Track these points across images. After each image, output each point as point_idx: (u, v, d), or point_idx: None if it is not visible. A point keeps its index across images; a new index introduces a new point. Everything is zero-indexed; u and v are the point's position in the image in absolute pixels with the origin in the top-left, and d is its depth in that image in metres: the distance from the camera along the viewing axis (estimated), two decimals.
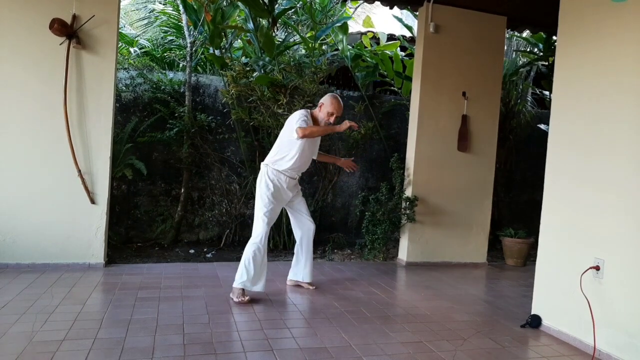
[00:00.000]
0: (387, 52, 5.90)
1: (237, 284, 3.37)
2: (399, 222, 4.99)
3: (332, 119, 3.51)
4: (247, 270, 3.36)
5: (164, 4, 7.02)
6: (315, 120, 3.56)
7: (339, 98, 3.58)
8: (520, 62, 6.52)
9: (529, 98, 6.72)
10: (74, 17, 3.95)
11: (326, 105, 3.52)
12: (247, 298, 3.36)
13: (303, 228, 3.79)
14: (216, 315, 3.08)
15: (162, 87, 5.45)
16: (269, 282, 3.91)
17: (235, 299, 3.35)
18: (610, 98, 2.83)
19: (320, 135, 3.57)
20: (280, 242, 5.44)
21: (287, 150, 3.49)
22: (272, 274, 4.06)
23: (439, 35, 4.94)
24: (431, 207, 5.03)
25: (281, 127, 3.67)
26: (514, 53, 6.54)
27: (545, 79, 6.45)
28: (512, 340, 2.96)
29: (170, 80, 5.53)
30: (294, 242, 3.94)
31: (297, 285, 3.87)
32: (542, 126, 6.31)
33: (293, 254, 3.92)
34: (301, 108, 4.83)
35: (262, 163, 3.62)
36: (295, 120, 3.41)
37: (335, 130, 3.51)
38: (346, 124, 3.40)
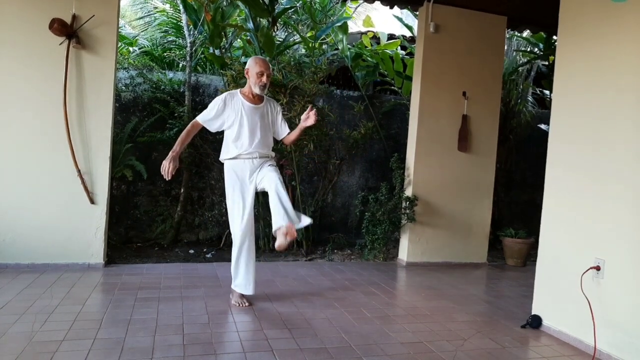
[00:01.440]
0: (388, 51, 5.90)
1: (233, 286, 3.34)
2: (399, 222, 4.99)
3: (264, 79, 3.27)
4: (234, 272, 3.30)
5: (163, 4, 7.02)
6: (247, 92, 3.34)
7: (261, 57, 3.43)
8: (520, 61, 6.51)
9: (529, 98, 6.71)
10: (74, 17, 3.95)
11: (251, 67, 3.29)
12: (246, 303, 3.29)
13: (269, 183, 3.21)
14: (216, 315, 3.08)
15: (162, 87, 5.44)
16: (270, 282, 3.92)
17: (233, 302, 3.31)
18: (611, 98, 2.82)
19: (179, 142, 3.21)
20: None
21: (230, 133, 3.31)
22: (273, 274, 4.06)
23: (439, 35, 4.94)
24: (431, 207, 5.02)
25: None
26: (514, 53, 6.53)
27: (545, 78, 6.45)
28: (512, 341, 2.96)
29: (170, 80, 5.52)
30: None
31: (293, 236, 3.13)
32: (543, 126, 6.31)
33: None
34: (301, 108, 4.84)
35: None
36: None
37: (174, 150, 3.14)
38: (169, 158, 3.09)
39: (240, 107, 3.31)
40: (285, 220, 3.06)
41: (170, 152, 3.11)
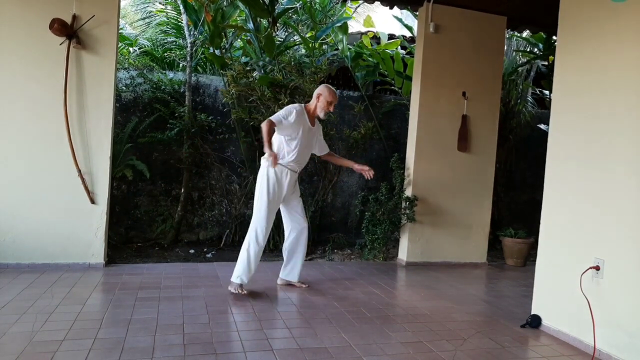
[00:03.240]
0: (388, 51, 5.90)
1: (235, 278, 3.51)
2: (399, 222, 4.99)
3: (331, 109, 3.69)
4: (248, 265, 3.49)
5: (163, 4, 7.02)
6: (311, 112, 3.67)
7: (334, 89, 3.75)
8: (520, 61, 6.51)
9: (529, 98, 6.72)
10: (74, 17, 3.95)
11: (325, 96, 3.64)
12: (245, 291, 3.49)
13: (298, 228, 3.77)
14: (216, 315, 3.08)
15: (162, 87, 5.45)
16: (270, 282, 3.93)
17: (233, 290, 3.50)
18: (611, 98, 2.83)
19: (265, 138, 3.41)
20: (280, 242, 5.42)
21: (282, 142, 3.57)
22: (273, 274, 4.06)
23: (439, 35, 4.94)
24: (431, 207, 5.03)
25: None
26: (514, 53, 6.54)
27: (545, 78, 6.45)
28: (512, 340, 2.96)
29: (170, 80, 5.53)
30: None
31: (289, 285, 3.87)
32: (542, 126, 6.31)
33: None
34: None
35: (262, 158, 3.65)
36: (279, 112, 3.51)
37: (266, 148, 3.40)
38: (271, 155, 3.41)
39: (304, 124, 3.60)
40: (300, 277, 3.84)
41: (268, 151, 3.40)
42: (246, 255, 3.49)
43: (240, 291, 3.48)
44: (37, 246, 3.91)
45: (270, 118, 3.43)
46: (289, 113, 3.50)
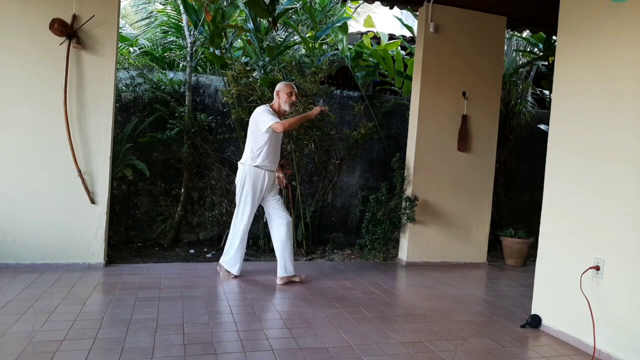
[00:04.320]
0: (389, 51, 5.90)
1: (222, 261, 3.99)
2: (399, 222, 4.99)
3: (293, 98, 3.86)
4: (233, 255, 3.93)
5: (163, 4, 7.02)
6: (277, 110, 3.86)
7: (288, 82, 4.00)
8: (520, 61, 6.51)
9: (529, 98, 6.72)
10: (74, 17, 3.95)
11: (282, 90, 3.86)
12: (232, 276, 3.95)
13: (281, 222, 3.93)
14: (216, 315, 3.08)
15: (162, 87, 5.45)
16: (270, 282, 3.93)
17: (222, 275, 3.97)
18: (610, 98, 2.83)
19: (298, 124, 3.86)
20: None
21: (261, 145, 3.77)
22: (273, 274, 4.07)
23: (439, 35, 4.94)
24: (431, 207, 5.03)
25: None
26: (514, 53, 6.54)
27: (545, 79, 6.45)
28: (512, 340, 2.96)
29: (170, 80, 5.53)
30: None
31: (289, 283, 3.93)
32: (542, 126, 6.31)
33: (293, 254, 3.96)
34: (302, 108, 4.86)
35: (239, 162, 3.91)
36: (264, 118, 3.70)
37: (309, 117, 3.89)
38: (317, 109, 3.83)
39: None
40: (282, 272, 3.92)
41: (316, 108, 3.85)
42: (231, 244, 3.92)
43: (227, 276, 3.94)
44: (37, 246, 3.91)
45: (276, 122, 3.65)
46: (270, 114, 3.72)
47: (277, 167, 3.95)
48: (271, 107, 3.85)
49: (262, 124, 3.71)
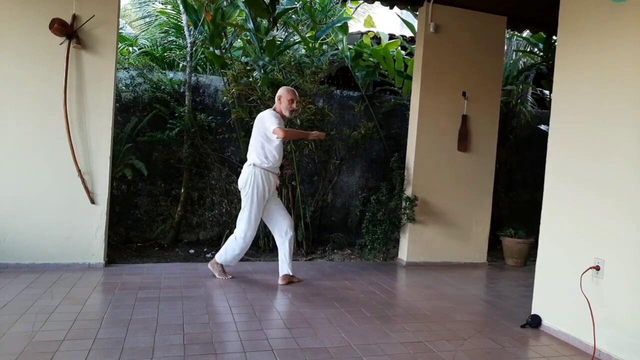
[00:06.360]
0: (389, 50, 5.89)
1: (219, 258, 3.94)
2: (399, 222, 4.99)
3: (294, 105, 3.90)
4: (227, 255, 3.90)
5: (163, 4, 7.02)
6: (280, 115, 3.86)
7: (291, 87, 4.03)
8: (522, 65, 6.50)
9: (529, 98, 6.72)
10: (74, 17, 3.95)
11: (284, 96, 3.87)
12: (228, 276, 3.93)
13: (284, 224, 3.93)
14: (216, 315, 3.08)
15: (162, 87, 5.44)
16: (270, 282, 3.93)
17: (217, 275, 3.93)
18: (610, 98, 2.83)
19: (296, 138, 4.01)
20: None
21: (270, 148, 3.78)
22: (273, 274, 4.07)
23: (439, 35, 4.94)
24: (431, 207, 5.03)
25: None
26: (514, 53, 6.54)
27: (545, 79, 6.45)
28: (512, 340, 2.96)
29: (170, 80, 5.53)
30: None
31: (289, 283, 3.92)
32: (542, 126, 6.31)
33: (293, 254, 3.96)
34: (302, 109, 4.86)
35: (245, 165, 3.86)
36: (271, 121, 3.72)
37: (307, 137, 4.02)
38: (317, 134, 3.95)
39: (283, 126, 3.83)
40: (284, 270, 3.92)
41: (316, 133, 4.00)
42: (232, 250, 3.86)
43: (224, 277, 3.93)
44: (37, 246, 3.91)
45: (279, 128, 3.68)
46: (277, 118, 3.74)
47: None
48: (274, 110, 3.88)
49: (269, 127, 3.72)
